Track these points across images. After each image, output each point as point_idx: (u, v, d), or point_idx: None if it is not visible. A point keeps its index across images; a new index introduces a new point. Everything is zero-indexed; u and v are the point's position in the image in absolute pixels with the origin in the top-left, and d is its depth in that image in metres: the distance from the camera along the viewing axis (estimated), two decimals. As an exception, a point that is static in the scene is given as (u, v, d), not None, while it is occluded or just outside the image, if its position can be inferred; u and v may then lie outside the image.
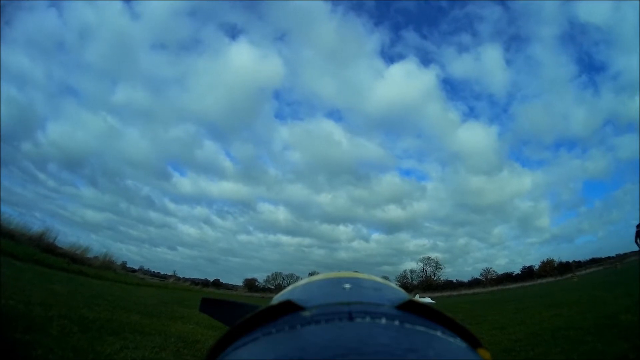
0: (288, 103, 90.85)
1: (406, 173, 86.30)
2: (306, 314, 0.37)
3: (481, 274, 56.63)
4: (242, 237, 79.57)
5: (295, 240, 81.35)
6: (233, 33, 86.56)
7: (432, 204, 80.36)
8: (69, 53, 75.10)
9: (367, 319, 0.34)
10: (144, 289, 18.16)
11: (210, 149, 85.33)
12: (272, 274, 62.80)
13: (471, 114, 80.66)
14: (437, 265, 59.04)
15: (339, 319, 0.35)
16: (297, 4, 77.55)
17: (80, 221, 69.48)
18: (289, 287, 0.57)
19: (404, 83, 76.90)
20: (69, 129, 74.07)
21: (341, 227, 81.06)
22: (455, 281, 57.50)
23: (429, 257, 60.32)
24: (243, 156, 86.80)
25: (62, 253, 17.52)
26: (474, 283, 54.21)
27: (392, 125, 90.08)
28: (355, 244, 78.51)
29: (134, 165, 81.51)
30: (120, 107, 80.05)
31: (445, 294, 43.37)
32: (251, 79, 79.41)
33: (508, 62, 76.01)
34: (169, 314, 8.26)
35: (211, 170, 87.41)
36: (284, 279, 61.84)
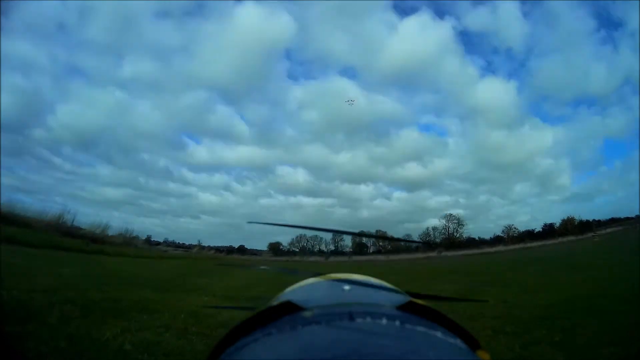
0: (300, 62, 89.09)
1: (425, 128, 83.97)
2: (307, 314, 0.38)
3: (503, 231, 56.60)
4: (264, 201, 78.45)
5: (317, 201, 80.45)
6: None
7: (453, 161, 78.31)
8: (70, 33, 73.33)
9: (368, 320, 0.35)
10: (166, 261, 18.54)
11: (223, 113, 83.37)
12: (296, 237, 62.84)
13: (489, 68, 77.50)
14: (459, 222, 59.04)
15: (340, 319, 0.35)
16: None
17: (101, 200, 70.24)
18: (289, 288, 0.56)
19: (418, 36, 73.57)
20: (78, 109, 72.95)
21: (362, 187, 79.56)
22: (477, 238, 57.59)
23: (450, 214, 60.16)
24: (258, 119, 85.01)
25: (81, 235, 17.88)
26: (496, 240, 54.19)
27: (408, 80, 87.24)
28: (377, 202, 76.72)
29: (148, 138, 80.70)
30: (128, 81, 78.95)
31: (469, 252, 43.09)
32: (260, 39, 75.91)
33: (525, 15, 71.93)
34: (185, 287, 8.26)
35: (226, 135, 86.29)
36: (307, 241, 62.43)
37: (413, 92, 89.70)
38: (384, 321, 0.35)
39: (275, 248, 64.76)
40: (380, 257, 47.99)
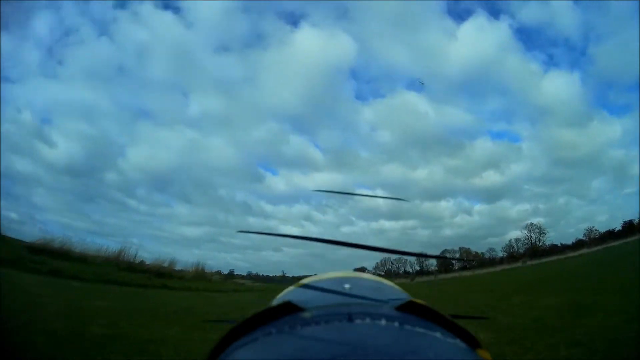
0: (366, 81, 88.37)
1: (497, 135, 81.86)
2: (306, 314, 0.38)
3: (584, 234, 52.72)
4: (345, 229, 77.26)
5: (399, 224, 78.57)
6: (293, 20, 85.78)
7: (528, 164, 74.75)
8: (131, 76, 77.71)
9: (367, 320, 0.35)
10: (241, 294, 17.87)
11: (297, 143, 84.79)
12: (381, 261, 61.35)
13: (551, 62, 73.73)
14: (540, 231, 55.72)
15: (339, 320, 0.35)
16: None
17: (180, 239, 71.34)
18: (289, 288, 0.56)
19: (478, 40, 72.59)
20: (149, 150, 76.97)
21: (442, 203, 77.47)
22: (559, 245, 53.79)
23: (532, 224, 56.90)
24: (332, 144, 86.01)
25: (144, 269, 17.63)
26: (578, 244, 50.36)
27: (474, 87, 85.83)
28: (459, 219, 74.54)
29: (223, 173, 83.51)
30: (197, 119, 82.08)
31: (553, 258, 40.23)
32: (323, 63, 78.14)
33: (575, 1, 68.13)
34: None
35: (302, 164, 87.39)
36: (392, 264, 60.87)
37: (481, 98, 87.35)
38: (383, 321, 0.35)
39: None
40: (466, 273, 46.20)
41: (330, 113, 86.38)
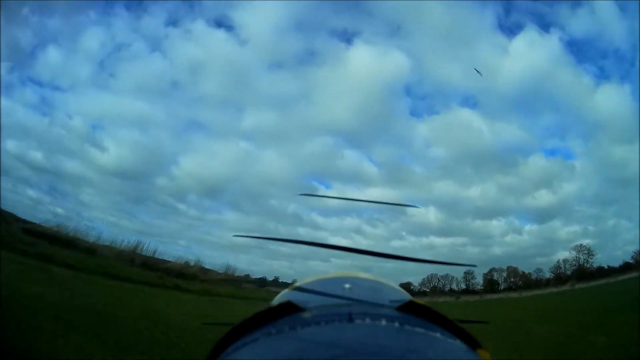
0: (420, 97, 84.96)
1: (551, 153, 76.02)
2: (306, 314, 0.39)
3: (632, 257, 47.70)
4: (395, 243, 73.11)
5: (448, 240, 74.01)
6: (346, 37, 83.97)
7: (581, 183, 69.50)
8: (185, 90, 76.88)
9: (367, 320, 0.36)
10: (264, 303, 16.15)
11: (351, 157, 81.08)
12: (427, 276, 59.14)
13: (602, 75, 68.04)
14: (589, 253, 51.85)
15: (339, 320, 0.36)
16: None
17: (229, 244, 71.06)
18: (290, 288, 0.56)
19: (530, 54, 67.27)
20: (202, 159, 75.08)
21: (494, 222, 72.47)
22: (606, 267, 48.84)
23: (581, 245, 53.10)
24: (386, 160, 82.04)
25: (162, 268, 16.62)
26: (626, 267, 45.55)
27: (527, 103, 79.39)
28: (509, 238, 69.81)
29: (275, 184, 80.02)
30: (251, 132, 79.74)
31: (602, 281, 37.49)
32: (377, 79, 73.98)
33: (622, 9, 63.36)
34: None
35: (356, 178, 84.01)
36: (439, 280, 57.75)
37: (534, 114, 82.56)
38: (384, 322, 0.35)
39: (405, 288, 60.65)
40: (513, 295, 44.01)
41: (385, 129, 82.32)
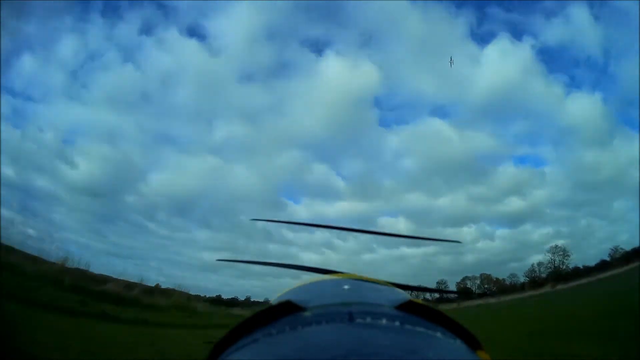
0: (390, 108, 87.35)
1: (521, 160, 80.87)
2: (306, 314, 0.38)
3: (609, 254, 49.30)
4: (367, 256, 72.42)
5: (420, 250, 73.89)
6: (318, 48, 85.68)
7: (551, 188, 71.81)
8: (155, 102, 76.97)
9: (368, 320, 0.36)
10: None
11: (320, 171, 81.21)
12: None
13: (573, 84, 71.84)
14: (564, 253, 52.83)
15: (340, 319, 0.36)
16: (375, 3, 71.84)
17: (199, 264, 69.91)
18: (289, 288, 0.56)
19: (502, 63, 69.82)
20: (171, 175, 74.41)
21: (464, 229, 73.69)
22: (582, 267, 51.05)
23: (556, 246, 54.05)
24: (355, 173, 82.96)
25: (98, 291, 14.02)
26: (604, 266, 47.10)
27: (498, 111, 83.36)
28: (480, 244, 71.11)
29: (244, 201, 79.02)
30: (220, 146, 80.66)
31: (583, 281, 37.94)
32: (347, 91, 75.45)
33: (596, 18, 65.96)
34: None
35: (325, 193, 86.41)
36: (411, 294, 58.48)
37: (504, 122, 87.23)
38: (384, 321, 0.35)
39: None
40: (491, 300, 45.21)
41: (354, 141, 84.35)
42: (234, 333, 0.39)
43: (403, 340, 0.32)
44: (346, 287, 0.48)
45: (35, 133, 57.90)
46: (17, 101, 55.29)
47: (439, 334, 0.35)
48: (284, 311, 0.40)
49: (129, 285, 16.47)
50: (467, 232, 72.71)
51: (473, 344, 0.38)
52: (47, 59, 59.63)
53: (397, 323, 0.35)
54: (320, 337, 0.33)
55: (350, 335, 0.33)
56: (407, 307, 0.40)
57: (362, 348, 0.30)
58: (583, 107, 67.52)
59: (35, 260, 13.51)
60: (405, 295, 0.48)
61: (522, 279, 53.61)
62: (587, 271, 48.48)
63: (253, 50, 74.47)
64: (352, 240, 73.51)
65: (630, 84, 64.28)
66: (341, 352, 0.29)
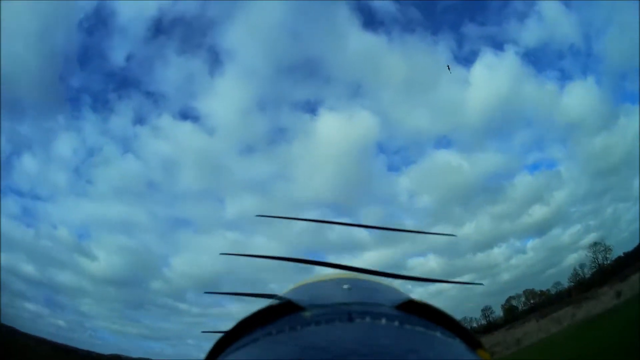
0: (395, 151, 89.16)
1: (534, 167, 79.49)
2: (306, 314, 0.38)
3: None
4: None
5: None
6: (310, 108, 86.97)
7: (570, 186, 71.59)
8: (162, 188, 79.85)
9: (367, 320, 0.35)
10: None
11: (340, 227, 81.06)
12: None
13: (564, 76, 73.32)
14: (606, 249, 49.86)
15: (339, 319, 0.36)
16: (354, 52, 75.86)
17: None
18: (289, 289, 0.56)
19: (491, 77, 72.34)
20: (192, 257, 76.54)
21: (495, 250, 73.16)
22: (622, 255, 48.19)
23: (595, 243, 51.23)
24: (375, 221, 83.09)
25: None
26: None
27: (499, 126, 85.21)
28: (514, 261, 70.27)
29: (271, 269, 78.39)
30: (235, 220, 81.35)
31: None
32: (348, 142, 77.14)
33: (566, 6, 68.89)
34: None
35: (350, 247, 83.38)
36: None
37: (508, 135, 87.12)
38: (384, 321, 0.35)
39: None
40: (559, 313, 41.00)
41: (367, 190, 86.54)
42: (234, 333, 0.39)
43: (403, 340, 0.32)
44: (346, 286, 0.47)
45: (49, 230, 62.80)
46: (25, 200, 59.70)
47: (439, 334, 0.35)
48: (284, 311, 0.39)
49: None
50: (498, 253, 72.23)
51: (473, 343, 0.38)
52: (48, 159, 63.59)
53: (396, 323, 0.35)
54: (320, 337, 0.33)
55: (350, 335, 0.33)
56: (407, 307, 0.39)
57: (362, 348, 0.30)
58: (580, 96, 68.52)
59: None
60: (405, 294, 0.46)
61: (566, 285, 50.17)
62: (629, 259, 45.87)
63: (247, 122, 77.01)
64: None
65: (617, 57, 66.37)
66: (341, 352, 0.30)
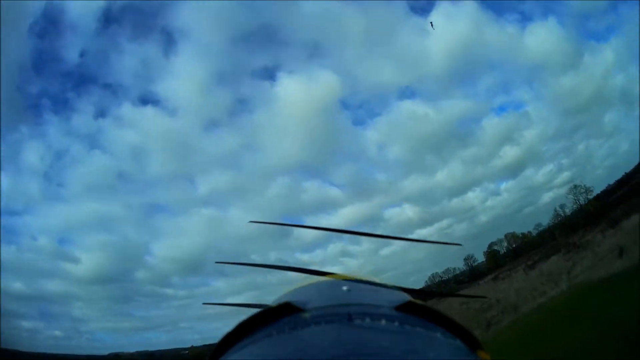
0: (358, 106, 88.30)
1: (501, 109, 77.73)
2: (306, 315, 0.38)
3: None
4: (385, 251, 71.99)
5: (434, 227, 72.34)
6: (269, 74, 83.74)
7: (539, 126, 69.80)
8: (133, 178, 77.77)
9: (367, 321, 0.36)
10: None
11: (313, 187, 79.69)
12: (430, 276, 56.97)
13: (524, 18, 69.36)
14: (586, 190, 48.58)
15: (339, 320, 0.36)
16: (307, 12, 72.33)
17: (227, 310, 69.52)
18: (289, 290, 0.56)
19: (450, 24, 67.74)
20: (172, 240, 75.17)
21: (470, 194, 72.16)
22: (600, 192, 47.60)
23: (575, 186, 49.81)
24: (347, 178, 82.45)
25: None
26: (618, 185, 45.00)
27: (462, 72, 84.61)
28: (489, 202, 70.03)
29: (251, 240, 76.06)
30: (209, 198, 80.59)
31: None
32: (312, 105, 73.34)
33: None
34: None
35: (325, 206, 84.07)
36: (441, 277, 56.21)
37: (473, 81, 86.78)
38: (383, 322, 0.35)
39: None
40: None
41: (334, 149, 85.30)
42: (234, 334, 0.39)
43: (402, 341, 0.33)
44: (345, 288, 0.48)
45: (30, 243, 59.91)
46: (3, 218, 56.54)
47: (438, 335, 0.35)
48: (283, 312, 0.39)
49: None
50: (473, 197, 71.58)
51: (473, 343, 0.38)
52: (17, 171, 60.66)
53: (396, 324, 0.35)
54: (319, 338, 0.33)
55: (349, 336, 0.33)
56: (406, 308, 0.39)
57: (361, 349, 0.30)
58: (542, 37, 66.15)
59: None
60: (405, 296, 0.47)
61: (547, 225, 49.17)
62: (606, 193, 46.01)
63: (208, 97, 74.18)
64: (367, 241, 72.25)
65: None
66: (340, 353, 0.30)
